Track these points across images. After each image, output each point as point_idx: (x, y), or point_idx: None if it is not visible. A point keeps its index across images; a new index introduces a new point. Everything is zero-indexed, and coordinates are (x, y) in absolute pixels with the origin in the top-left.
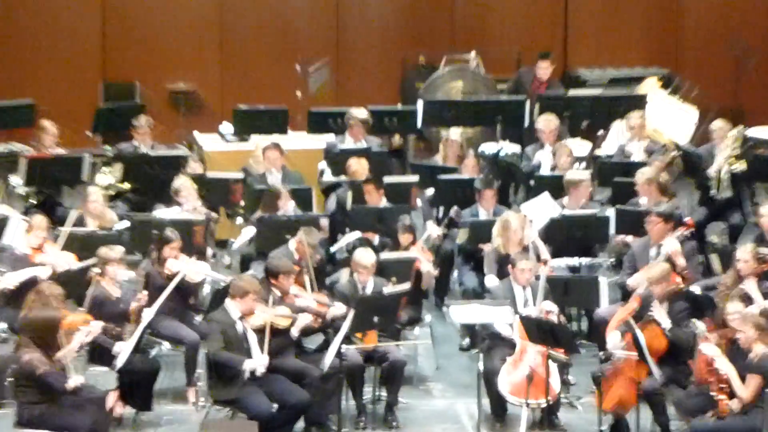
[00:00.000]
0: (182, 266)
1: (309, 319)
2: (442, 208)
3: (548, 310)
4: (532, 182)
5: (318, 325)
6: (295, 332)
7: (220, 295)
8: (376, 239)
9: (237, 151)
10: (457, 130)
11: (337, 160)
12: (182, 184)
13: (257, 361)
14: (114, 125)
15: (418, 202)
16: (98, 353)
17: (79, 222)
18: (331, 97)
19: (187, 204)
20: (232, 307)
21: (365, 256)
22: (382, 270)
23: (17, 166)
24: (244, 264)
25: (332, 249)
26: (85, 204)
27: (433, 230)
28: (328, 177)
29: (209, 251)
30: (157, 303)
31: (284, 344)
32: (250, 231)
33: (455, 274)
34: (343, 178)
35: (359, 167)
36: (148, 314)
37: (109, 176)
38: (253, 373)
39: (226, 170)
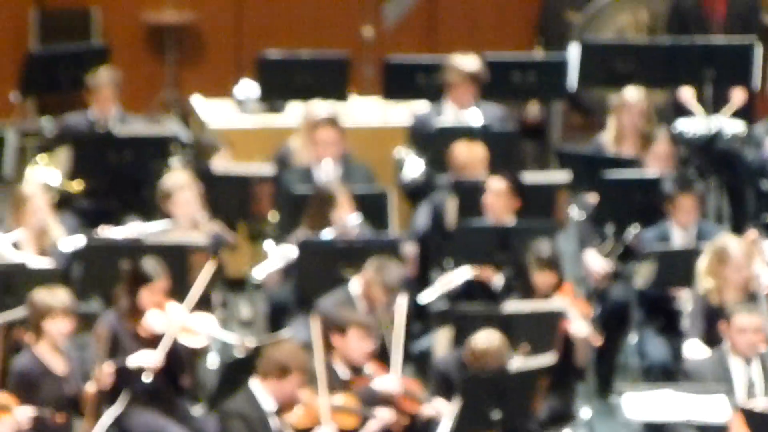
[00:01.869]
0: (170, 323)
1: (388, 419)
2: (610, 228)
3: None
4: (766, 183)
5: (402, 430)
6: None
7: (235, 371)
8: (497, 280)
9: (263, 128)
10: (638, 93)
11: (431, 144)
12: (177, 184)
13: None
14: (56, 84)
15: (570, 215)
16: None
17: None
18: (420, 38)
19: (184, 218)
20: (262, 392)
21: (486, 339)
22: (505, 330)
23: None
24: (276, 317)
25: (422, 297)
26: (14, 214)
27: (595, 265)
28: (417, 173)
29: (216, 296)
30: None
31: None
32: (283, 253)
33: (632, 339)
34: (442, 174)
35: (470, 156)
36: (113, 404)
37: (48, 169)
38: None
39: (245, 161)
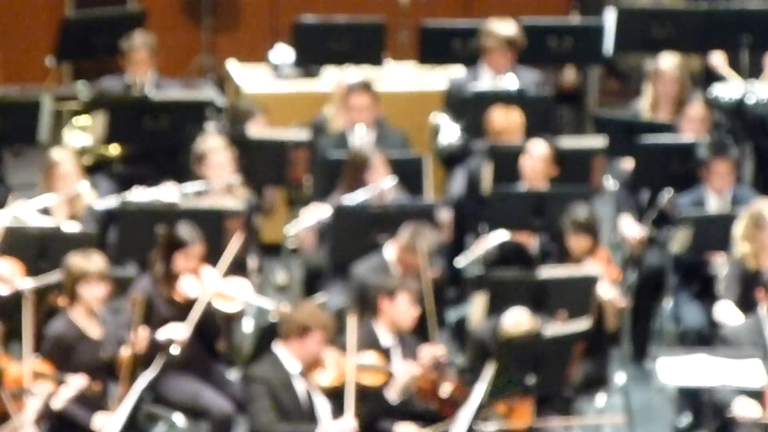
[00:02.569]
0: (206, 288)
1: (415, 374)
2: (645, 193)
3: None
4: None
5: (430, 387)
6: (393, 395)
7: (270, 335)
8: (533, 244)
9: (299, 94)
10: (674, 59)
11: (467, 109)
12: (211, 146)
13: None
14: (91, 49)
15: (606, 181)
16: None
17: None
18: (456, 2)
19: (217, 181)
20: (286, 355)
21: (515, 322)
22: (540, 296)
23: None
24: (311, 282)
25: (457, 261)
26: (45, 179)
27: (630, 230)
28: (452, 138)
29: (252, 261)
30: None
31: (376, 414)
32: (318, 212)
33: (667, 304)
34: (477, 140)
35: (506, 122)
36: (148, 369)
37: (84, 134)
38: None
39: (280, 126)
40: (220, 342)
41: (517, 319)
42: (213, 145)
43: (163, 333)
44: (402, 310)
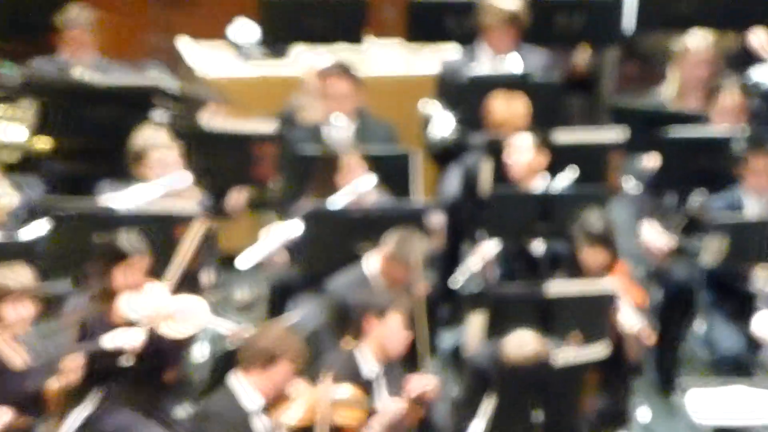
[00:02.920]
0: (151, 307)
1: (399, 411)
2: (672, 196)
3: None
4: None
5: (416, 425)
6: None
7: (228, 364)
8: (538, 247)
9: (265, 78)
10: (705, 38)
11: (463, 96)
12: (152, 141)
13: None
14: (20, 24)
15: (625, 182)
16: None
17: None
18: None
19: (163, 181)
20: (247, 387)
21: (519, 346)
22: (549, 316)
23: None
24: (279, 300)
25: (454, 279)
26: None
27: (655, 239)
28: (446, 131)
29: (207, 275)
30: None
31: None
32: (287, 228)
33: (698, 326)
34: (475, 133)
35: (509, 111)
36: (82, 403)
37: (9, 125)
38: None
39: (243, 116)
40: (168, 372)
41: (522, 343)
42: (153, 140)
43: (112, 339)
44: (393, 333)
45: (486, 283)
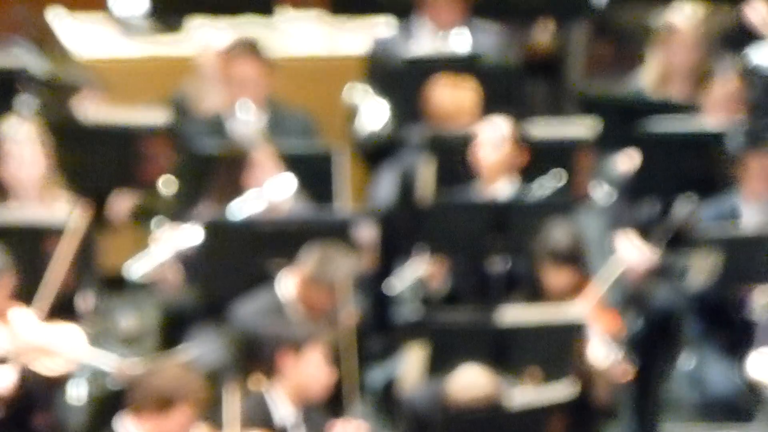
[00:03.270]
0: (17, 338)
1: None
2: (653, 203)
3: None
4: None
5: None
6: None
7: (111, 406)
8: (496, 264)
9: (155, 58)
10: (692, 12)
11: (398, 81)
12: (10, 135)
13: None
14: None
15: (596, 186)
16: None
17: None
18: None
19: (21, 184)
20: None
21: (467, 385)
22: (503, 348)
23: None
24: (173, 329)
25: (389, 285)
26: None
27: (632, 256)
28: (378, 123)
29: (85, 300)
30: None
31: None
32: (182, 236)
33: (685, 362)
34: (413, 125)
35: (454, 98)
36: None
37: None
38: None
39: (125, 105)
40: (38, 417)
41: (470, 382)
42: (13, 135)
43: None
44: (312, 371)
45: (427, 301)
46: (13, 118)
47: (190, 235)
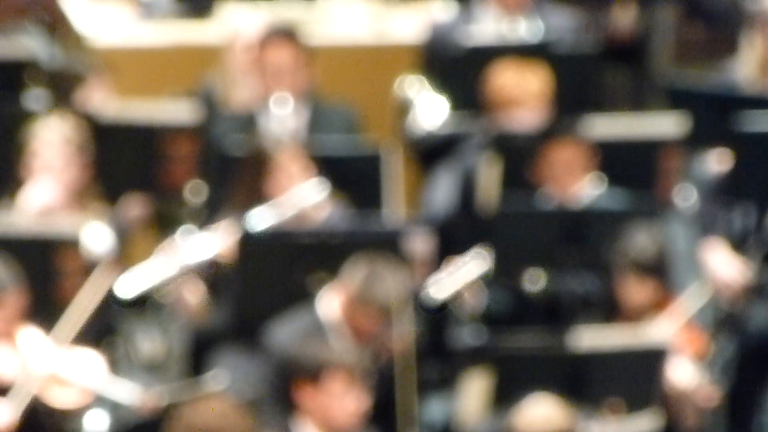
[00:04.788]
0: (28, 365)
1: None
2: (748, 212)
3: None
4: None
5: None
6: None
7: None
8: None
9: (180, 46)
10: None
11: (458, 71)
12: (43, 134)
13: None
14: None
15: (683, 191)
16: None
17: None
18: None
19: (44, 190)
20: None
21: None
22: (578, 377)
23: None
24: (200, 354)
25: (426, 294)
26: None
27: (725, 270)
28: (434, 120)
29: (102, 321)
30: None
31: None
32: (196, 247)
33: None
34: (475, 121)
35: (520, 86)
36: None
37: None
38: None
39: (148, 98)
40: None
41: (541, 415)
42: (48, 134)
43: None
44: (333, 403)
45: (490, 321)
46: (52, 117)
47: (201, 246)
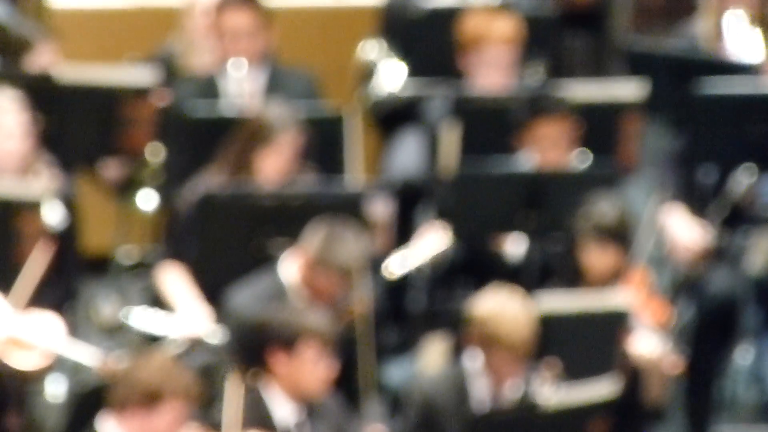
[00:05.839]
0: None
1: None
2: (709, 175)
3: None
4: None
5: None
6: None
7: (92, 404)
8: (513, 246)
9: (138, 9)
10: None
11: (418, 34)
12: None
13: None
14: None
15: (643, 155)
16: None
17: None
18: None
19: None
20: None
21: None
22: (539, 338)
23: None
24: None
25: (388, 267)
26: None
27: (685, 235)
28: (395, 83)
29: (61, 285)
30: None
31: None
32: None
33: (742, 356)
34: (435, 85)
35: (492, 25)
36: None
37: None
38: None
39: (107, 62)
40: (10, 416)
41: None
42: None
43: None
44: (307, 369)
45: (447, 295)
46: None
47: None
